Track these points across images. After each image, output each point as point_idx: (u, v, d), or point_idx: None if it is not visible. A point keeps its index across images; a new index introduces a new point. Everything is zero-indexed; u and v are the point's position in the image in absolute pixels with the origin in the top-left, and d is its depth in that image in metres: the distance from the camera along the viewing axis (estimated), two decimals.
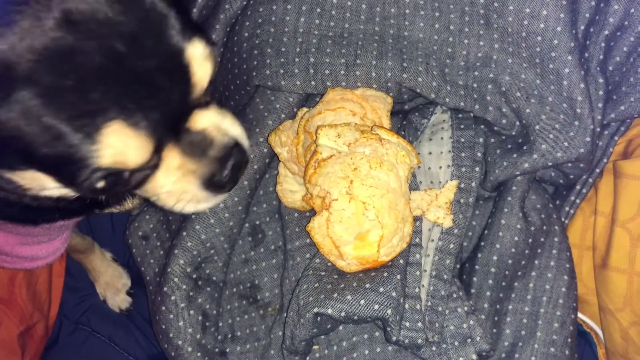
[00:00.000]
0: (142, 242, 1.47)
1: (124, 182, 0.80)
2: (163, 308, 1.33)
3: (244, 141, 0.92)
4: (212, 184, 0.88)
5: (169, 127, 0.79)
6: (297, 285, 1.23)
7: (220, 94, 1.52)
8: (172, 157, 0.83)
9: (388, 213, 1.18)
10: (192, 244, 1.34)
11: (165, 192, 0.89)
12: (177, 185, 0.87)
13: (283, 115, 1.38)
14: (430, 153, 1.31)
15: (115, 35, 0.70)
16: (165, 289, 1.33)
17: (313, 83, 1.34)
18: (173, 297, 1.33)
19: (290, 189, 1.35)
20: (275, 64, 1.35)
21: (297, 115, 1.36)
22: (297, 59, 1.34)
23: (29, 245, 1.26)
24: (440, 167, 1.30)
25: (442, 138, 1.32)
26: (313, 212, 1.30)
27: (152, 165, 0.82)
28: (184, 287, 1.33)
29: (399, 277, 1.17)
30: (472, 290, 1.31)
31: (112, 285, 1.58)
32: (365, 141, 1.18)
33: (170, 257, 1.34)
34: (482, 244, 1.32)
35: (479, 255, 1.32)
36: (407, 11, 1.35)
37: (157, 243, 1.46)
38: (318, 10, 1.36)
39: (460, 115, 1.34)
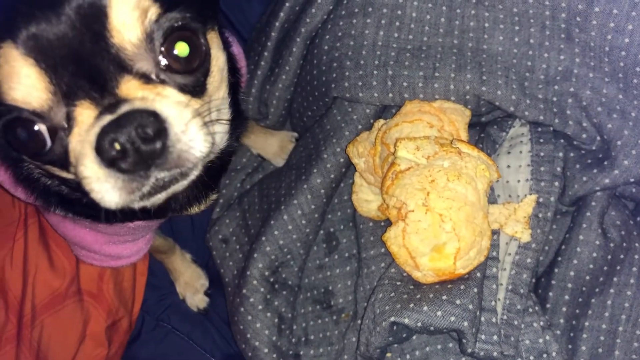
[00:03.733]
0: (222, 245, 1.54)
1: (42, 141, 0.77)
2: (242, 309, 1.39)
3: (174, 127, 0.76)
4: (101, 152, 0.74)
5: (83, 80, 0.74)
6: (372, 293, 1.26)
7: (298, 104, 1.57)
8: (85, 117, 0.75)
9: (465, 226, 1.20)
10: (271, 248, 1.39)
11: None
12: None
13: (360, 126, 1.41)
14: (508, 166, 1.31)
15: None
16: (244, 291, 1.39)
17: (390, 95, 1.36)
18: (251, 299, 1.38)
19: (366, 199, 1.38)
20: (353, 77, 1.38)
21: (373, 127, 1.39)
22: (375, 72, 1.37)
23: (115, 245, 1.34)
24: (519, 181, 1.30)
25: (521, 152, 1.32)
26: (388, 222, 1.33)
27: (63, 125, 0.77)
28: (262, 289, 1.39)
29: (475, 290, 1.18)
30: (548, 305, 1.30)
31: (191, 286, 1.65)
32: (445, 154, 1.20)
33: (249, 261, 1.40)
34: (559, 259, 1.31)
35: (556, 270, 1.31)
36: (487, 25, 1.36)
37: (236, 246, 1.52)
38: (397, 24, 1.39)
39: (540, 129, 1.33)
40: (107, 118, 0.74)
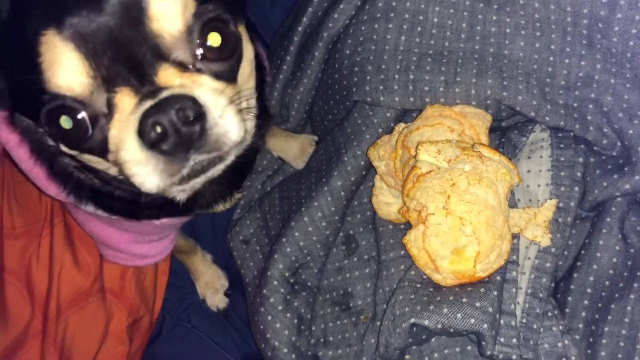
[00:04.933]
0: (243, 245, 1.56)
1: (84, 129, 0.79)
2: (262, 309, 1.40)
3: (212, 112, 0.79)
4: (143, 135, 0.76)
5: (122, 67, 0.76)
6: (392, 295, 1.27)
7: (319, 108, 1.59)
8: (126, 104, 0.78)
9: (485, 229, 1.20)
10: (291, 249, 1.41)
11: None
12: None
13: (380, 130, 1.43)
14: (529, 171, 1.32)
15: None
16: (264, 291, 1.41)
17: (412, 99, 1.38)
18: (272, 300, 1.40)
19: (386, 201, 1.40)
20: (375, 81, 1.40)
21: (394, 130, 1.40)
22: (397, 76, 1.38)
23: (140, 244, 1.37)
24: (539, 186, 1.31)
25: (541, 156, 1.32)
26: (408, 225, 1.34)
27: (104, 111, 0.79)
28: (282, 290, 1.40)
29: (495, 293, 1.19)
30: (567, 310, 1.30)
31: (211, 286, 1.68)
32: (466, 158, 1.21)
33: (270, 261, 1.42)
34: (579, 263, 1.32)
35: (575, 275, 1.31)
36: (508, 30, 1.37)
37: (257, 247, 1.54)
38: (419, 29, 1.40)
39: (560, 134, 1.34)
40: (149, 103, 0.77)
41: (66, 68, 0.76)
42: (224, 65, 0.85)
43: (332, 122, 1.57)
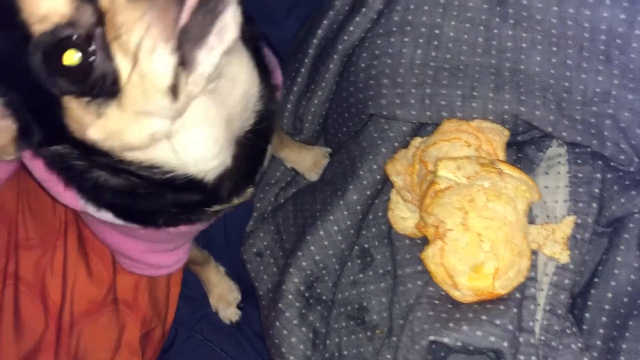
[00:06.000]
0: (256, 258, 1.56)
1: (86, 51, 0.71)
2: (277, 324, 1.40)
3: None
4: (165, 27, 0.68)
5: None
6: (410, 311, 1.27)
7: (333, 120, 1.59)
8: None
9: (504, 246, 1.20)
10: (307, 263, 1.41)
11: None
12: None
13: (396, 143, 1.42)
14: (546, 187, 1.32)
15: None
16: (279, 305, 1.40)
17: (428, 113, 1.38)
18: (287, 314, 1.39)
19: (402, 216, 1.39)
20: (391, 94, 1.40)
21: (410, 144, 1.40)
22: (413, 90, 1.38)
23: (155, 254, 1.36)
24: (557, 202, 1.30)
25: (558, 172, 1.32)
26: (424, 240, 1.34)
27: (94, 20, 0.71)
28: (297, 304, 1.40)
29: (515, 310, 1.18)
30: (584, 327, 1.29)
31: (224, 298, 1.67)
32: (485, 174, 1.21)
33: (285, 275, 1.42)
34: (596, 280, 1.31)
35: (592, 291, 1.30)
36: (524, 45, 1.37)
37: (271, 260, 1.53)
38: (435, 43, 1.40)
39: (577, 150, 1.34)
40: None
41: None
42: None
43: (346, 134, 1.57)
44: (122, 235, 1.26)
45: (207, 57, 0.73)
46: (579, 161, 1.33)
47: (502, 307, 1.19)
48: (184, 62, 0.72)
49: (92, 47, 0.72)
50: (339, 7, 1.55)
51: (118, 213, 1.08)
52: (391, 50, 1.41)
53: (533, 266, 1.26)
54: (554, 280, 1.26)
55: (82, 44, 0.71)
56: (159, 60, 0.70)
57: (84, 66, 0.73)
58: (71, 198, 1.05)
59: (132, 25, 0.69)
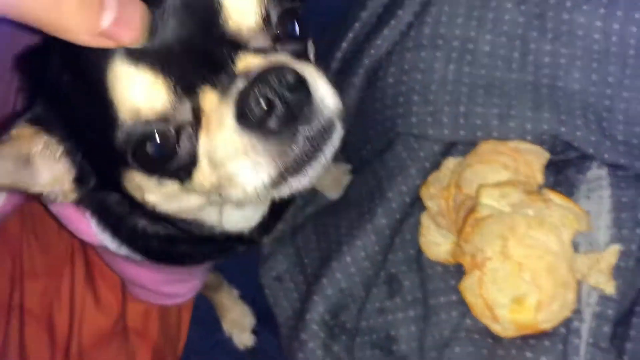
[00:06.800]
0: (276, 283, 1.47)
1: (171, 146, 0.71)
2: (300, 355, 1.32)
3: (308, 77, 0.70)
4: (245, 115, 0.67)
5: (200, 70, 0.68)
6: (445, 345, 1.20)
7: (356, 137, 1.51)
8: (213, 103, 0.69)
9: (545, 276, 1.14)
10: (332, 291, 1.33)
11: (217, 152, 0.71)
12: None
13: (427, 164, 1.35)
14: (588, 212, 1.25)
15: None
16: (302, 336, 1.32)
17: (462, 132, 1.31)
18: (310, 345, 1.32)
19: (435, 242, 1.32)
20: (422, 112, 1.32)
21: (442, 165, 1.33)
22: (446, 108, 1.31)
23: (171, 284, 1.29)
24: (599, 228, 1.23)
25: (600, 197, 1.25)
26: (458, 267, 1.26)
27: (190, 119, 0.71)
28: (322, 334, 1.32)
29: (561, 346, 1.12)
30: (625, 358, 1.23)
31: (238, 323, 1.59)
32: (530, 202, 1.13)
33: (309, 303, 1.34)
34: (638, 308, 1.25)
35: (634, 320, 1.24)
36: (562, 61, 1.30)
37: (291, 285, 1.45)
38: (468, 57, 1.33)
39: (620, 173, 1.27)
40: (241, 83, 0.67)
41: (141, 86, 0.67)
42: (299, 45, 0.78)
43: (370, 152, 1.49)
44: (139, 266, 1.18)
45: (298, 183, 0.73)
46: (622, 185, 1.26)
47: (547, 342, 1.12)
48: (275, 183, 0.72)
49: (178, 141, 0.71)
50: (365, 19, 1.46)
51: (149, 255, 1.03)
52: (422, 65, 1.34)
53: (577, 297, 1.19)
54: (597, 312, 1.19)
55: (170, 138, 0.71)
56: (254, 180, 0.70)
57: (165, 158, 0.72)
58: (89, 234, 0.98)
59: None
